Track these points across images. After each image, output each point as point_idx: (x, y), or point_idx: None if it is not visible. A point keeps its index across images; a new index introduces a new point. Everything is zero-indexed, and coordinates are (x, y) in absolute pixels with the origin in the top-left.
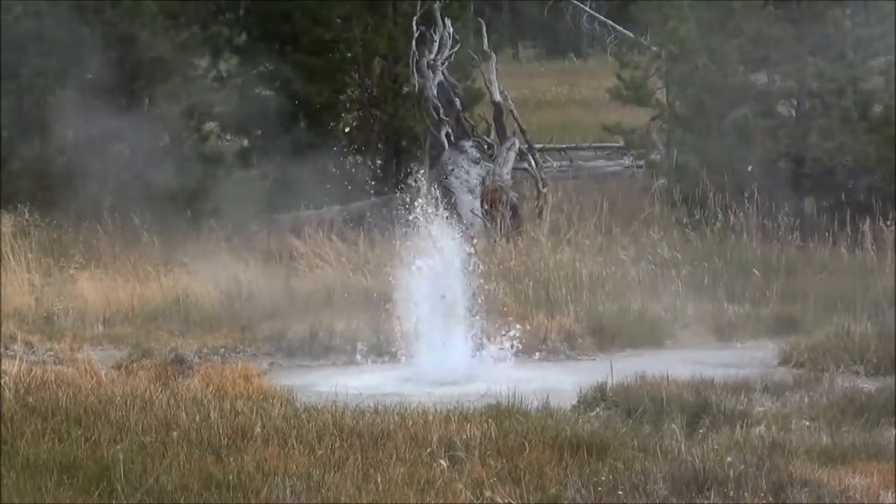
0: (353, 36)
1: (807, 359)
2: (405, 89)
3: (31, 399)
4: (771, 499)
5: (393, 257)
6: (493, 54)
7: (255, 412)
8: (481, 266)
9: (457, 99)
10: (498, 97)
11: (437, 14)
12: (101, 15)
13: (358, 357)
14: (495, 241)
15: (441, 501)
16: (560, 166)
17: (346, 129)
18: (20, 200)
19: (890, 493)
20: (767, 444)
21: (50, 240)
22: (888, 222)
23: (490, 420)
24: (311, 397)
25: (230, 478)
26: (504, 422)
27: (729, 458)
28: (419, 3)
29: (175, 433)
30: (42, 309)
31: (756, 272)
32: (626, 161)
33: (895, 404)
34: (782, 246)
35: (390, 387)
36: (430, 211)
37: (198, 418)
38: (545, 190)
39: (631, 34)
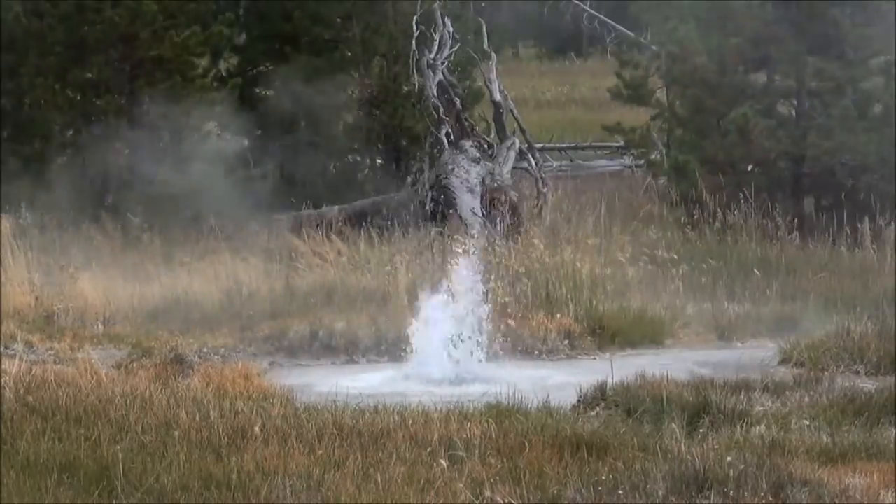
0: (353, 36)
1: (807, 359)
2: (405, 89)
3: (31, 399)
4: (771, 499)
5: (393, 257)
6: (493, 54)
7: (255, 412)
8: (481, 265)
9: (457, 99)
10: (498, 97)
11: (437, 14)
12: (100, 14)
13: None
14: (495, 240)
15: (441, 501)
16: (560, 166)
17: (346, 130)
18: (20, 200)
19: (890, 493)
20: (767, 443)
21: (50, 240)
22: (888, 222)
23: (490, 419)
24: (311, 397)
25: (230, 478)
26: (504, 421)
27: (729, 458)
28: (419, 2)
29: (176, 433)
30: (42, 309)
31: (756, 272)
32: (626, 161)
33: (895, 404)
34: (782, 245)
35: (390, 386)
36: (429, 211)
37: (198, 418)
38: (545, 189)
39: (631, 34)
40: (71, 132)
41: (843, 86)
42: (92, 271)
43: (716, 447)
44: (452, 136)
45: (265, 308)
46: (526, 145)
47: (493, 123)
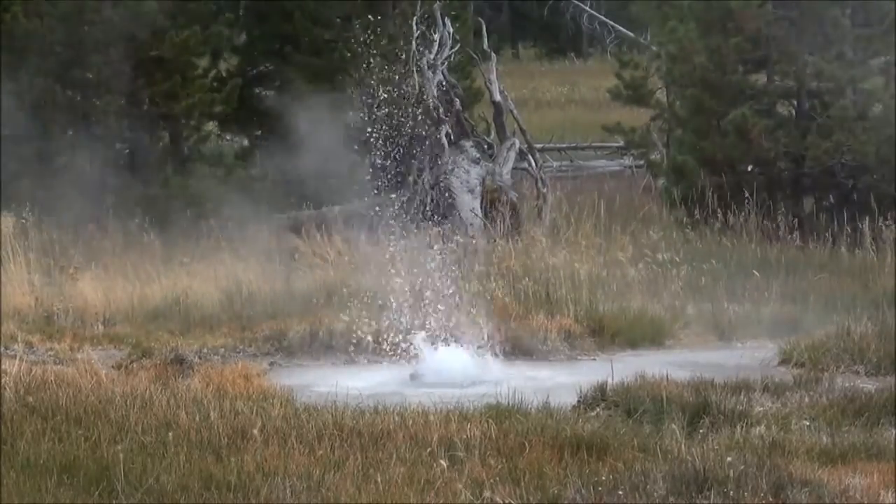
0: (353, 36)
1: (807, 359)
2: (405, 89)
3: (31, 399)
4: (771, 499)
5: (392, 257)
6: (493, 54)
7: (255, 412)
8: (481, 266)
9: (457, 99)
10: (498, 97)
11: (437, 14)
12: (100, 14)
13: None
14: (495, 241)
15: (441, 501)
16: (560, 166)
17: (346, 130)
18: (20, 201)
19: (890, 493)
20: (767, 444)
21: (50, 240)
22: (888, 222)
23: (490, 420)
24: (311, 397)
25: (230, 478)
26: (504, 422)
27: (729, 458)
28: (419, 3)
29: (171, 434)
30: (42, 309)
31: (756, 272)
32: (626, 161)
33: (895, 404)
34: (782, 246)
35: (390, 387)
36: (429, 211)
37: (198, 418)
38: (545, 190)
39: (631, 34)
40: (71, 132)
41: (842, 86)
42: (92, 271)
43: (716, 447)
44: (452, 137)
45: (265, 308)
46: (526, 146)
47: (493, 124)
